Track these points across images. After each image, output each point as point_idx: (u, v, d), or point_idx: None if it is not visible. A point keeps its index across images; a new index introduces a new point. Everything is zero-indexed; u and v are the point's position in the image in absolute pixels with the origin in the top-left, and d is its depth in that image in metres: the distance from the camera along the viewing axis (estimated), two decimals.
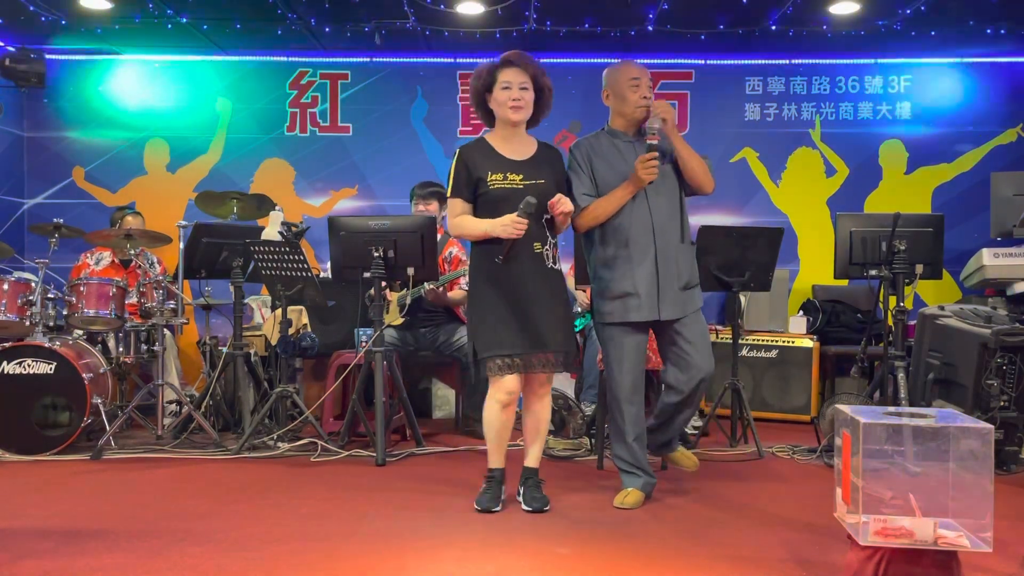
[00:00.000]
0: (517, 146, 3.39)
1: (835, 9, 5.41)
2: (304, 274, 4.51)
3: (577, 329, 5.67)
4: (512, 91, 3.27)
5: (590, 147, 3.51)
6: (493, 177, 3.31)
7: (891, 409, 2.40)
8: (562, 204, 3.26)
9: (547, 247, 3.33)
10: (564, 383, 6.33)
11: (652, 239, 3.39)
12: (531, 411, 3.44)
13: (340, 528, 3.12)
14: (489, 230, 3.27)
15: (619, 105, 3.48)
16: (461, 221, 3.37)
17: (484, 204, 3.34)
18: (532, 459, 3.45)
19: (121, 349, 4.96)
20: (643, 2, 5.17)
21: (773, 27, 5.47)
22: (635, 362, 3.47)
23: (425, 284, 4.83)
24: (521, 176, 3.32)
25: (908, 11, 5.22)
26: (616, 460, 3.56)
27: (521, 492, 3.43)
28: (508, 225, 3.20)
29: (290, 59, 6.40)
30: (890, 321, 4.36)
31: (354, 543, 2.94)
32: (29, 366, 4.42)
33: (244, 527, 3.12)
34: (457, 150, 3.42)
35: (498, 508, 3.34)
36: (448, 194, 3.44)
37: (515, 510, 3.38)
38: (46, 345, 4.43)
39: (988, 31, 5.55)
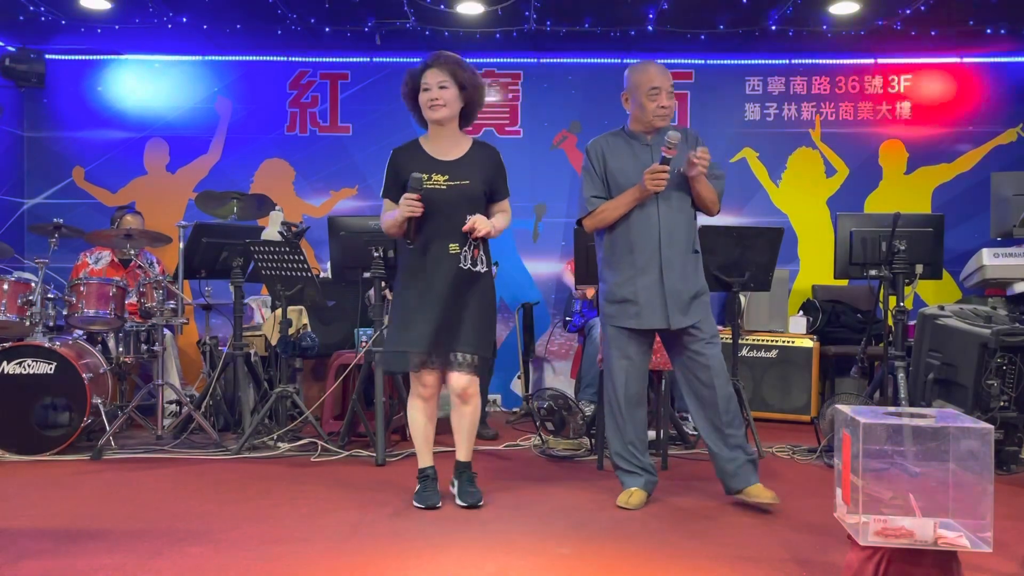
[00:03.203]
0: (446, 146, 3.40)
1: (835, 9, 5.41)
2: (304, 274, 4.51)
3: (574, 329, 5.67)
4: (431, 91, 3.29)
5: (605, 146, 3.49)
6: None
7: (891, 409, 2.40)
8: (477, 230, 3.27)
9: (466, 248, 3.32)
10: (564, 384, 6.35)
11: (658, 247, 3.37)
12: (456, 411, 3.44)
13: (340, 528, 3.12)
14: (396, 216, 3.30)
15: (638, 111, 3.45)
16: (383, 218, 3.43)
17: None
18: (462, 453, 3.48)
19: (121, 349, 4.96)
20: (643, 2, 5.17)
21: (773, 27, 5.47)
22: (635, 364, 3.45)
23: None
24: (446, 177, 3.32)
25: (908, 11, 5.22)
26: (616, 459, 3.55)
27: (455, 486, 3.46)
28: (403, 205, 3.24)
29: (290, 59, 6.40)
30: (890, 321, 4.36)
31: (354, 543, 2.94)
32: (29, 366, 4.42)
33: (244, 527, 3.12)
34: (392, 152, 3.47)
35: (439, 504, 3.38)
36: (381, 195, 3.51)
37: (516, 511, 3.37)
38: (46, 345, 4.43)
39: (988, 31, 5.54)
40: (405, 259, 3.43)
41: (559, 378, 6.36)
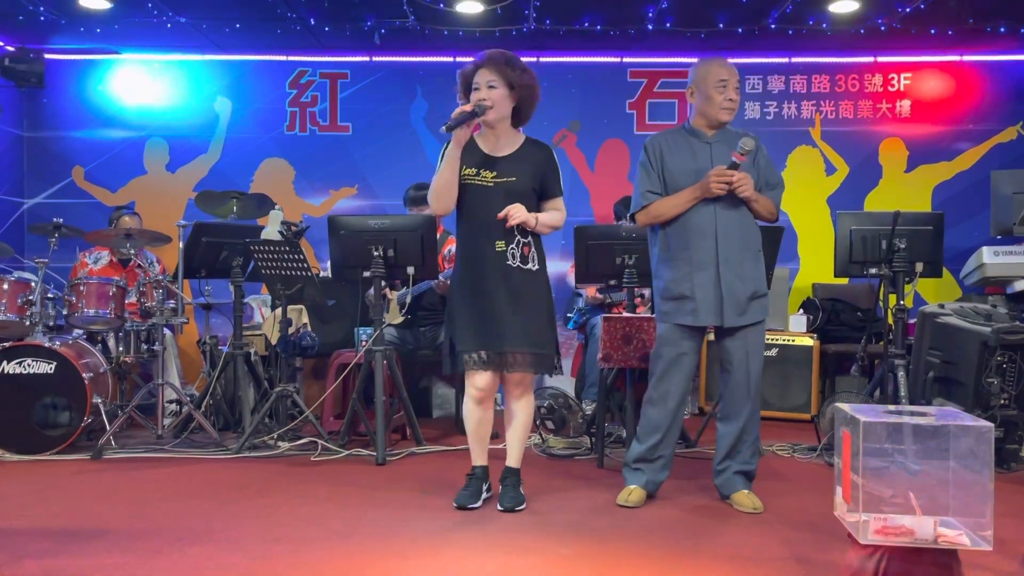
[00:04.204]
0: (499, 142, 3.38)
1: (835, 8, 5.40)
2: (304, 274, 4.51)
3: (574, 326, 5.67)
4: (480, 91, 3.28)
5: (664, 143, 3.47)
6: (467, 171, 3.33)
7: (891, 408, 2.40)
8: (511, 218, 3.23)
9: (513, 246, 3.29)
10: (565, 382, 6.34)
11: (715, 244, 3.33)
12: (508, 411, 3.45)
13: (341, 528, 3.12)
14: (445, 161, 3.30)
15: (703, 104, 3.43)
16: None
17: (460, 197, 3.35)
18: (511, 459, 3.45)
19: (121, 349, 4.95)
20: (643, 1, 5.16)
21: (773, 26, 5.46)
22: (679, 365, 3.42)
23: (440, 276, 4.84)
24: (495, 173, 3.31)
25: (908, 9, 5.21)
26: (627, 454, 3.56)
27: (499, 491, 3.43)
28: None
29: (289, 58, 6.40)
30: (890, 319, 4.36)
31: (354, 543, 2.94)
32: (29, 366, 4.41)
33: (245, 527, 3.12)
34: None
35: (477, 505, 3.36)
36: None
37: (517, 511, 3.36)
38: (46, 345, 4.43)
39: (987, 29, 5.54)
40: (457, 258, 3.42)
41: (559, 375, 6.34)
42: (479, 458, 3.47)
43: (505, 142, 3.39)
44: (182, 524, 3.15)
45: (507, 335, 3.27)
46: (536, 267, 3.35)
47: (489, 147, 3.38)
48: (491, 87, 3.27)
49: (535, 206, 3.36)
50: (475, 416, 3.42)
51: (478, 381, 3.34)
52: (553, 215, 3.40)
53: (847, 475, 2.31)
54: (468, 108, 3.25)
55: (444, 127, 3.24)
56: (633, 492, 3.44)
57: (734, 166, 3.28)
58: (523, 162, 3.35)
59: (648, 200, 3.44)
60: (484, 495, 3.44)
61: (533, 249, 3.34)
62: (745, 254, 3.38)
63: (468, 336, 3.30)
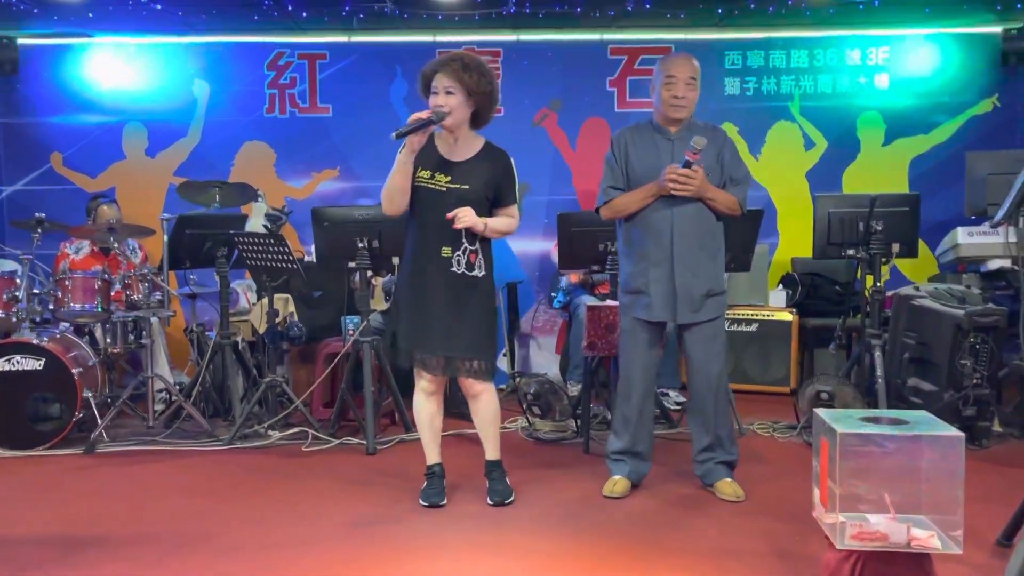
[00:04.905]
0: (456, 146, 3.36)
1: None
2: (290, 265, 4.54)
3: (559, 304, 5.74)
4: (438, 96, 3.25)
5: (629, 138, 3.53)
6: (422, 173, 3.31)
7: (868, 413, 2.49)
8: (458, 220, 3.22)
9: (459, 252, 3.29)
10: (550, 359, 6.43)
11: (671, 241, 3.39)
12: (472, 410, 3.49)
13: (336, 529, 3.20)
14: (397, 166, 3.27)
15: (657, 101, 3.48)
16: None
17: (413, 197, 3.34)
18: (490, 452, 3.52)
19: (109, 340, 4.96)
20: None
21: (752, 5, 5.46)
22: (643, 355, 3.51)
23: None
24: (449, 178, 3.30)
25: None
26: (609, 450, 3.65)
27: (487, 485, 3.51)
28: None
29: (267, 39, 6.32)
30: (867, 295, 4.44)
31: (349, 545, 3.03)
32: (18, 363, 4.44)
33: (242, 529, 3.20)
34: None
35: (444, 502, 3.44)
36: None
37: (509, 506, 3.45)
38: (34, 342, 4.46)
39: (964, 7, 5.57)
40: (404, 258, 3.44)
41: (544, 353, 6.44)
42: (434, 456, 3.53)
43: (463, 146, 3.37)
44: (180, 527, 3.22)
45: (450, 341, 3.30)
46: (482, 273, 3.35)
47: (446, 150, 3.36)
48: (448, 93, 3.23)
49: (487, 213, 3.35)
50: (426, 410, 3.46)
51: (426, 377, 3.40)
52: (504, 220, 3.39)
53: (825, 482, 2.40)
54: (424, 116, 3.22)
55: (394, 134, 3.21)
56: (618, 483, 3.54)
57: (688, 164, 3.32)
58: (479, 169, 3.33)
59: (609, 196, 3.51)
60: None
61: (480, 256, 3.34)
62: (701, 252, 3.43)
63: (413, 336, 3.34)
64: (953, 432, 2.28)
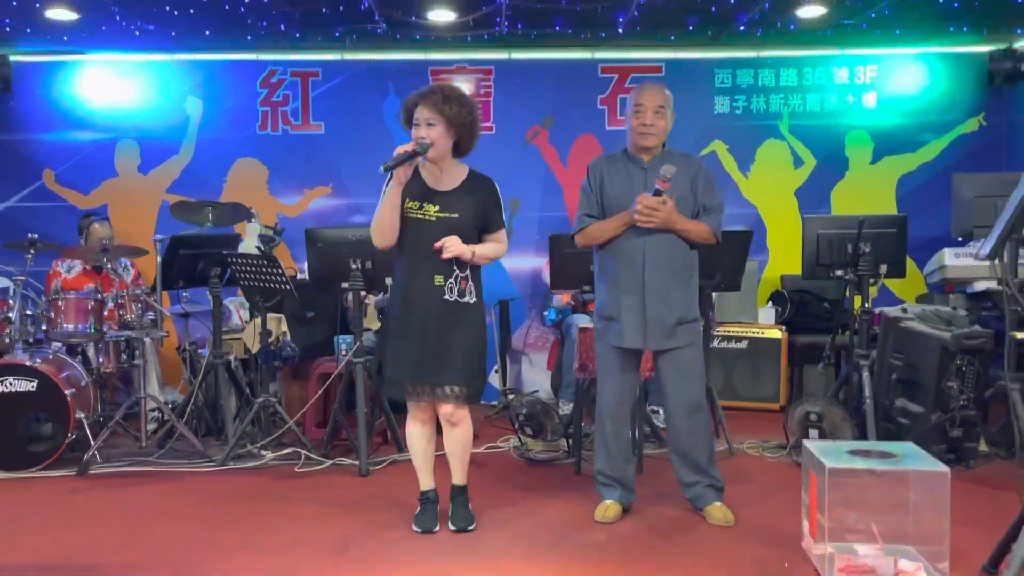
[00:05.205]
0: (442, 176, 3.39)
1: (802, 13, 5.48)
2: (283, 286, 4.56)
3: (551, 322, 5.77)
4: (420, 128, 3.28)
5: (604, 167, 3.57)
6: (410, 204, 3.34)
7: (857, 446, 2.53)
8: (446, 250, 3.26)
9: (451, 280, 3.32)
10: (542, 376, 6.46)
11: (642, 270, 3.42)
12: (446, 435, 3.49)
13: (327, 555, 3.22)
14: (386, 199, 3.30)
15: (628, 129, 3.53)
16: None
17: (402, 228, 3.35)
18: (456, 477, 3.53)
19: (102, 360, 4.97)
20: (613, 7, 5.19)
21: (742, 28, 5.52)
22: (617, 381, 3.55)
23: None
24: (437, 208, 3.33)
25: (872, 13, 5.30)
26: (596, 472, 3.68)
27: (450, 510, 3.53)
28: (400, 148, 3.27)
29: (259, 57, 6.35)
30: (856, 315, 4.49)
31: (344, 572, 3.05)
32: (10, 384, 4.44)
33: (236, 557, 3.21)
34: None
35: (437, 528, 3.46)
36: None
37: (502, 529, 3.48)
38: (27, 363, 4.46)
39: (951, 29, 5.64)
40: (395, 286, 3.47)
41: (536, 370, 6.47)
42: (427, 482, 3.56)
43: (448, 176, 3.40)
44: (174, 556, 3.23)
45: (442, 369, 3.32)
46: (473, 300, 3.38)
47: (432, 180, 3.39)
48: (430, 125, 3.27)
49: (476, 240, 3.38)
50: (420, 438, 3.50)
51: (418, 405, 3.43)
52: (492, 246, 3.43)
53: (814, 514, 2.44)
54: (409, 148, 3.26)
55: (383, 167, 3.24)
56: (610, 508, 3.57)
57: (658, 193, 3.34)
58: (466, 198, 3.36)
59: (584, 223, 3.55)
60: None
61: (471, 283, 3.37)
62: (673, 281, 3.46)
63: (404, 366, 3.36)
64: (939, 468, 2.32)
